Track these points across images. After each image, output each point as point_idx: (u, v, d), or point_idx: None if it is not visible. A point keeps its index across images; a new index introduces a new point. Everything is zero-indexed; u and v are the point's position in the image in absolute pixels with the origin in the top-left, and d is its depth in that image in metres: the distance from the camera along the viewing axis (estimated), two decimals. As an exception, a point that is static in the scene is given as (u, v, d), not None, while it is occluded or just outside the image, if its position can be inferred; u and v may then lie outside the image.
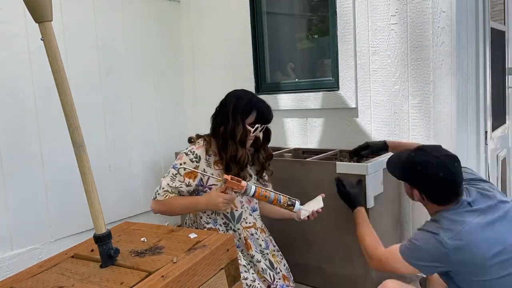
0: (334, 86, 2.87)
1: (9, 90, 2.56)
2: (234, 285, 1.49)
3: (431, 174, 1.71)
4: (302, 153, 2.96)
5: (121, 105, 3.17)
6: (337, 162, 2.36)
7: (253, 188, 1.79)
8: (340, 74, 2.80)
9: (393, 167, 1.91)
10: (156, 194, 1.99)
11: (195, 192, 2.01)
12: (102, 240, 1.38)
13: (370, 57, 2.68)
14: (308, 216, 2.02)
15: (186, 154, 1.99)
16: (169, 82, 3.56)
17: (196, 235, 1.57)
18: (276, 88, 3.20)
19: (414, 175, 1.77)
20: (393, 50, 2.59)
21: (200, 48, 3.57)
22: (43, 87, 2.65)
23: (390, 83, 2.63)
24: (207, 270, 1.38)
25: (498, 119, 3.35)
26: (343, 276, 2.37)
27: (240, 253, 1.98)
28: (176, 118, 3.62)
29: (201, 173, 1.94)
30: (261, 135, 2.10)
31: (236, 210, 2.03)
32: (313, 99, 2.94)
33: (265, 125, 2.07)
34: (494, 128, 3.13)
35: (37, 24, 1.31)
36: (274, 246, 2.19)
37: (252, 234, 2.06)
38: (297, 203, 1.88)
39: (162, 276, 1.25)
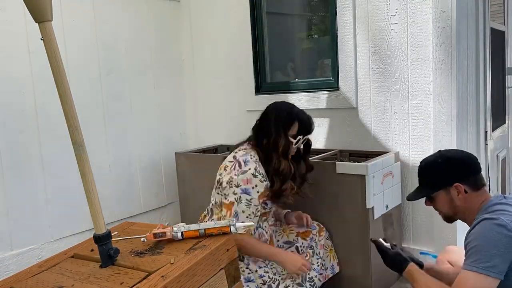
0: (334, 86, 2.87)
1: (9, 90, 2.55)
2: (234, 285, 1.49)
3: (459, 157, 1.72)
4: (302, 153, 2.96)
5: (121, 105, 3.17)
6: (337, 162, 2.36)
7: (179, 234, 1.58)
8: (340, 74, 2.80)
9: (429, 181, 1.78)
10: (233, 227, 1.81)
11: None
12: (102, 240, 1.37)
13: (370, 57, 2.68)
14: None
15: (254, 175, 1.95)
16: (169, 82, 3.56)
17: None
18: (276, 88, 3.19)
19: (450, 170, 1.70)
20: (393, 50, 2.59)
21: (200, 48, 3.57)
22: (43, 87, 2.65)
23: (390, 83, 2.63)
24: (207, 270, 1.38)
25: (498, 119, 3.35)
26: (343, 276, 2.37)
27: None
28: (176, 118, 3.62)
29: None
30: (302, 146, 2.12)
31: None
32: (313, 99, 2.93)
33: (307, 136, 2.09)
34: (494, 128, 3.13)
35: (37, 24, 1.31)
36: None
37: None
38: (232, 227, 1.59)
39: (162, 276, 1.25)
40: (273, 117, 2.05)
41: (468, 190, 1.65)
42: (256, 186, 1.93)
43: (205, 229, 1.55)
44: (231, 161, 2.02)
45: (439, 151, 1.81)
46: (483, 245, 1.47)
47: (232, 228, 1.53)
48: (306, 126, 2.07)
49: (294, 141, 2.03)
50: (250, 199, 1.92)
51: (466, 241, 1.56)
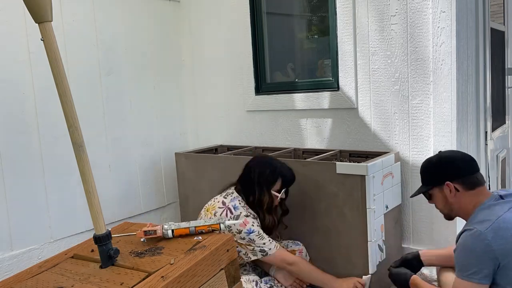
0: (334, 86, 2.87)
1: (9, 90, 2.55)
2: (234, 285, 1.49)
3: (451, 157, 1.81)
4: (302, 153, 2.96)
5: (121, 105, 3.17)
6: (337, 162, 2.36)
7: (169, 232, 1.57)
8: (340, 74, 2.80)
9: (425, 178, 1.87)
10: (265, 252, 2.10)
11: None
12: (102, 240, 1.38)
13: (370, 57, 2.68)
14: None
15: (247, 216, 2.10)
16: (169, 82, 3.56)
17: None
18: (276, 89, 3.20)
19: (441, 169, 1.79)
20: (393, 50, 2.59)
21: (200, 48, 3.57)
22: (43, 87, 2.65)
23: (390, 83, 2.63)
24: (207, 270, 1.38)
25: (498, 119, 3.35)
26: (343, 276, 2.36)
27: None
28: (176, 118, 3.62)
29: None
30: (284, 196, 2.26)
31: None
32: (313, 100, 2.93)
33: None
34: (494, 128, 3.13)
35: (37, 24, 1.31)
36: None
37: None
38: (222, 225, 1.62)
39: (162, 276, 1.25)
40: (256, 175, 2.19)
41: (459, 188, 1.72)
42: (254, 224, 2.10)
43: (195, 227, 1.55)
44: (221, 207, 2.15)
45: (440, 151, 1.90)
46: (463, 255, 1.62)
47: (222, 226, 1.56)
48: (289, 180, 2.24)
49: (279, 195, 2.19)
50: (259, 232, 2.09)
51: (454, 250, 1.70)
